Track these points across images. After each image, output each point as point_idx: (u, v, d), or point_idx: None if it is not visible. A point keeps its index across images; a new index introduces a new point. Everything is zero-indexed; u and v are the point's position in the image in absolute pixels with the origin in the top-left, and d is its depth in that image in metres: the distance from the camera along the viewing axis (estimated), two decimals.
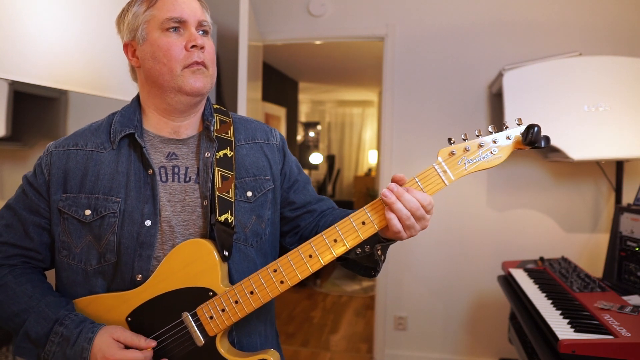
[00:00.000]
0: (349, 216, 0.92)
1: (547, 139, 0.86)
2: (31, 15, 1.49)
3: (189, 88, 0.98)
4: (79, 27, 1.70)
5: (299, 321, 4.02)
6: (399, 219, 0.87)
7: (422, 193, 0.89)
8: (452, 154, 0.90)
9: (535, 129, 0.85)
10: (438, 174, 0.90)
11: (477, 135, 0.91)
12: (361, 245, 0.97)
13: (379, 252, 0.98)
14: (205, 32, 1.03)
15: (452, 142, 0.90)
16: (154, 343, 0.96)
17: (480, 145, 0.89)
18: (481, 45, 2.88)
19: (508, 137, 0.89)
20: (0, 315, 0.99)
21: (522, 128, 0.88)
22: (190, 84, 0.98)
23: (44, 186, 1.01)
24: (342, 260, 1.08)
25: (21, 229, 1.02)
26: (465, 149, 0.90)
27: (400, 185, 0.91)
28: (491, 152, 0.89)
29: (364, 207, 0.92)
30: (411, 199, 0.87)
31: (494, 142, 0.89)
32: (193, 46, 0.97)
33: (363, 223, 0.91)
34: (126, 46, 1.04)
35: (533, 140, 0.85)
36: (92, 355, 0.92)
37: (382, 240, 0.95)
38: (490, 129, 0.90)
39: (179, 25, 0.98)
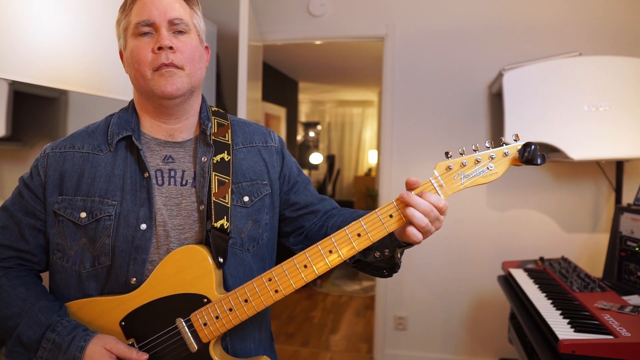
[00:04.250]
0: (345, 227, 0.92)
1: (543, 157, 0.87)
2: (31, 15, 1.49)
3: (160, 92, 0.96)
4: (79, 27, 1.70)
5: (299, 321, 4.02)
6: (418, 228, 0.88)
7: (436, 196, 0.89)
8: (449, 168, 0.90)
9: (532, 147, 0.86)
10: (434, 188, 0.90)
11: (474, 150, 0.91)
12: (380, 248, 0.98)
13: (399, 255, 0.99)
14: (182, 32, 0.99)
15: (449, 155, 0.90)
16: (145, 356, 0.95)
17: (477, 161, 0.90)
18: (481, 45, 2.88)
19: (505, 154, 0.90)
20: None
21: (519, 145, 0.89)
22: (160, 88, 0.96)
23: (40, 188, 1.00)
24: (356, 262, 1.07)
25: (16, 231, 1.01)
26: (462, 163, 0.90)
27: (414, 187, 0.91)
28: (487, 168, 0.90)
29: (360, 219, 0.92)
30: (426, 203, 0.88)
31: (491, 158, 0.90)
32: (160, 48, 0.95)
33: (358, 235, 0.92)
34: (120, 54, 1.06)
35: (530, 159, 0.87)
36: None
37: (401, 244, 0.95)
38: (487, 144, 0.91)
39: (149, 29, 0.97)
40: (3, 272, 1.00)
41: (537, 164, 0.87)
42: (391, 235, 0.95)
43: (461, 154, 0.91)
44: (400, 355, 3.08)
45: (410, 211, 0.88)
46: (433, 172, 0.91)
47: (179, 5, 1.00)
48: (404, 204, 0.89)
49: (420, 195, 0.89)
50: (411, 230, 0.88)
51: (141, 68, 0.96)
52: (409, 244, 0.95)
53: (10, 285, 0.99)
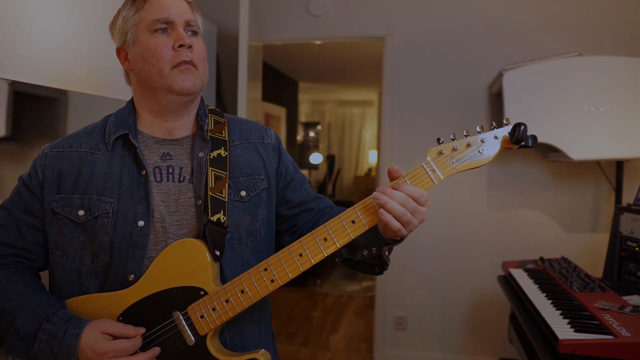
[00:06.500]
0: (339, 215, 0.92)
1: (533, 137, 0.88)
2: (31, 15, 1.49)
3: (178, 87, 0.98)
4: (79, 27, 1.70)
5: (299, 321, 4.02)
6: (396, 218, 0.87)
7: (413, 187, 0.89)
8: (440, 153, 0.91)
9: (522, 127, 0.86)
10: (427, 173, 0.91)
11: (466, 135, 0.92)
12: (367, 247, 0.98)
13: (387, 252, 0.99)
14: (195, 33, 1.03)
15: (440, 141, 0.91)
16: (142, 330, 0.96)
17: (469, 145, 0.91)
18: (481, 45, 2.88)
19: (496, 137, 0.91)
20: None
21: (510, 127, 0.90)
22: (179, 83, 0.98)
23: (38, 187, 1.02)
24: (345, 260, 1.07)
25: (15, 229, 1.02)
26: (454, 148, 0.91)
27: (396, 176, 0.91)
28: (479, 151, 0.90)
29: (354, 206, 0.92)
30: (400, 194, 0.87)
31: (482, 141, 0.91)
32: (180, 45, 0.98)
33: (353, 222, 0.92)
34: (118, 51, 1.06)
35: (519, 139, 0.87)
36: (81, 351, 0.92)
37: (387, 241, 0.95)
38: (478, 129, 0.91)
39: (166, 26, 0.99)
40: (1, 269, 1.01)
41: (528, 145, 0.88)
42: (378, 233, 0.95)
43: (453, 139, 0.92)
44: (400, 355, 3.08)
45: (386, 201, 0.87)
46: (425, 158, 0.92)
47: (189, 9, 1.04)
48: (379, 194, 0.88)
49: (395, 187, 0.88)
50: (390, 220, 0.86)
51: (159, 64, 0.98)
52: (395, 241, 0.95)
53: (8, 280, 1.00)
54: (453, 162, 0.91)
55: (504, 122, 0.92)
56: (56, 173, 1.01)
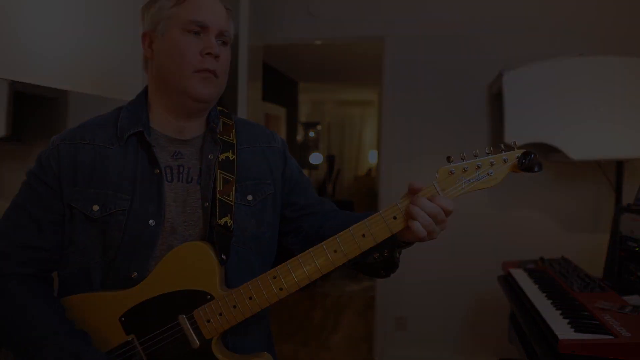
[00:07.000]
0: (349, 228, 0.93)
1: (540, 165, 0.90)
2: (31, 15, 1.49)
3: (194, 93, 0.98)
4: (79, 27, 1.70)
5: (299, 321, 4.02)
6: (423, 226, 0.88)
7: (446, 199, 0.90)
8: (451, 172, 0.92)
9: (532, 156, 0.89)
10: (438, 192, 0.92)
11: (475, 155, 0.94)
12: (379, 249, 0.98)
13: (398, 255, 0.99)
14: (224, 43, 1.03)
15: (450, 160, 0.93)
16: None
17: (478, 167, 0.92)
18: (481, 45, 2.88)
19: (505, 160, 0.92)
20: (11, 337, 0.94)
21: (518, 153, 0.92)
22: (196, 90, 0.98)
23: (56, 180, 0.98)
24: (354, 264, 1.07)
25: (35, 228, 0.98)
26: (464, 169, 0.92)
27: (417, 191, 0.91)
28: (487, 174, 0.92)
29: (365, 220, 0.93)
30: (434, 206, 0.89)
31: (491, 164, 0.92)
32: (208, 53, 0.98)
33: (363, 235, 0.93)
34: (144, 35, 1.04)
35: (529, 167, 0.89)
36: None
37: (401, 244, 0.96)
38: (487, 150, 0.94)
39: (200, 29, 0.98)
40: (22, 281, 0.97)
41: (534, 172, 0.90)
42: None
43: (462, 159, 0.93)
44: (400, 355, 3.08)
45: (416, 210, 0.88)
46: (435, 176, 0.93)
47: (226, 17, 1.03)
48: (412, 204, 0.90)
49: (431, 199, 0.90)
50: (416, 226, 0.88)
51: (183, 64, 0.97)
52: (408, 244, 0.95)
53: (34, 299, 0.96)
54: (462, 183, 0.93)
55: (512, 144, 0.94)
56: (71, 165, 0.98)
